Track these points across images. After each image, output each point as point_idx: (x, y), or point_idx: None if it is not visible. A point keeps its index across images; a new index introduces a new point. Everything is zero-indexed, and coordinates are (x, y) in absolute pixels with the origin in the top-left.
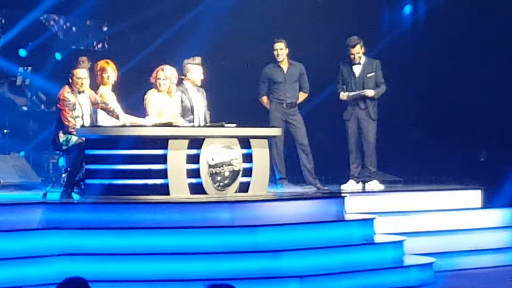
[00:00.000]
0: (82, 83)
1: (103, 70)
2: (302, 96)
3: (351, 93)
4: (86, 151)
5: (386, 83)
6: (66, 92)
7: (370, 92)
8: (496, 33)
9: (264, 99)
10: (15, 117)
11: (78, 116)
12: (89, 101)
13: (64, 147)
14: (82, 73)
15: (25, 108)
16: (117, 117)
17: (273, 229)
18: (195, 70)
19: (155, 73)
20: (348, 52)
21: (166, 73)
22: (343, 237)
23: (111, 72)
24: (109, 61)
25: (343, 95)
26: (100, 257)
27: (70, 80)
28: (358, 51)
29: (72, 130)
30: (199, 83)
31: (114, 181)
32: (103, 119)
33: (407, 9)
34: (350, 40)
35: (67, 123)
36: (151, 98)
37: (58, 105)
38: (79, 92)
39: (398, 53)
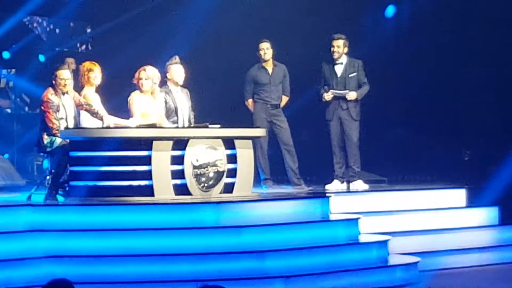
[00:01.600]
0: (65, 84)
1: (90, 70)
2: (284, 100)
3: (335, 90)
4: (71, 153)
5: (370, 83)
6: (50, 94)
7: (353, 95)
8: (482, 32)
9: (250, 101)
10: None
11: (62, 118)
12: (73, 103)
13: (48, 149)
14: (65, 74)
15: (9, 110)
16: (101, 119)
17: (258, 230)
18: (174, 69)
19: (137, 73)
20: (331, 47)
21: (148, 73)
22: (328, 237)
23: (98, 73)
24: (95, 63)
25: (327, 96)
26: (85, 259)
27: (54, 82)
28: (339, 45)
29: (56, 132)
30: (180, 82)
31: (99, 182)
32: (87, 121)
33: (390, 9)
34: (334, 34)
35: (51, 125)
36: (135, 99)
37: (42, 107)
38: (63, 94)
39: (381, 53)
